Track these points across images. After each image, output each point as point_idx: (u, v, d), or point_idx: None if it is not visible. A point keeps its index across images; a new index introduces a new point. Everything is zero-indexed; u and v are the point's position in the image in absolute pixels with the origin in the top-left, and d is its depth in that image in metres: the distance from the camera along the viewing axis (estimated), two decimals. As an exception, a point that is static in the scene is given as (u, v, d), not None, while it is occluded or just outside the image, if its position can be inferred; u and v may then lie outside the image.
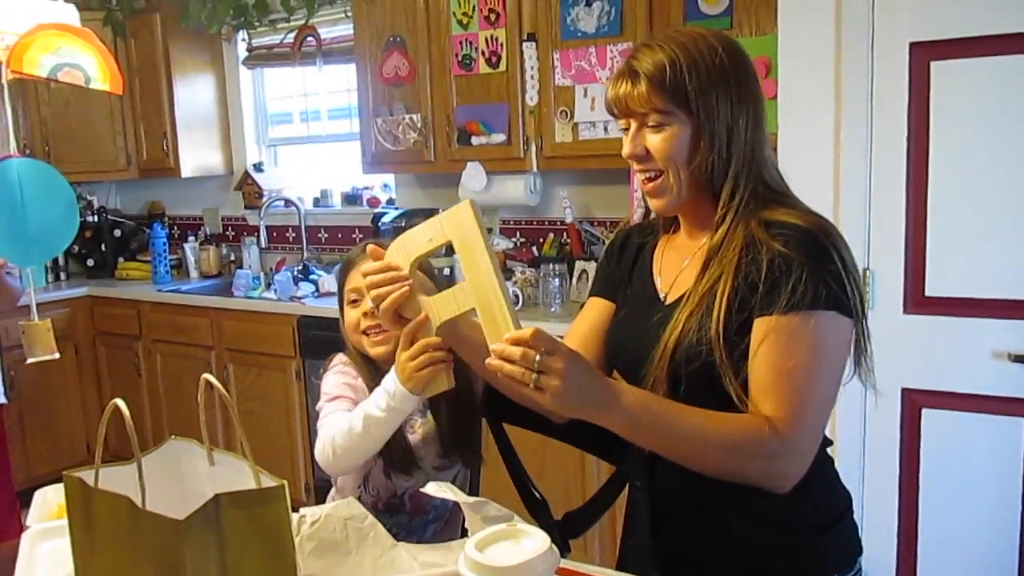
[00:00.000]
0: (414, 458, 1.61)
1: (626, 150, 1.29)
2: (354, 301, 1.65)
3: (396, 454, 1.59)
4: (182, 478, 1.02)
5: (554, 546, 0.95)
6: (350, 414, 1.51)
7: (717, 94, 1.24)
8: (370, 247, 1.33)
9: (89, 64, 1.43)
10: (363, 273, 1.30)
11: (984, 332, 2.12)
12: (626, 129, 1.29)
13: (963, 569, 2.22)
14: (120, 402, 0.89)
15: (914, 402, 2.23)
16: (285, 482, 0.87)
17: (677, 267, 1.36)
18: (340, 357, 1.70)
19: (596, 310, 1.48)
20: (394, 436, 1.55)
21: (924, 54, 2.11)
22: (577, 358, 1.12)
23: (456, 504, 1.22)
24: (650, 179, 1.29)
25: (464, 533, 1.34)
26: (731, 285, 1.22)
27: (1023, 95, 2.02)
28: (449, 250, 1.24)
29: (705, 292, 1.24)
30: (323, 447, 1.50)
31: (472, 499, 1.10)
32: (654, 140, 1.26)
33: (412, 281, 1.25)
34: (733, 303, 1.21)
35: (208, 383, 0.95)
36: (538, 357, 1.07)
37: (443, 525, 1.69)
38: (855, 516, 1.39)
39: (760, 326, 1.21)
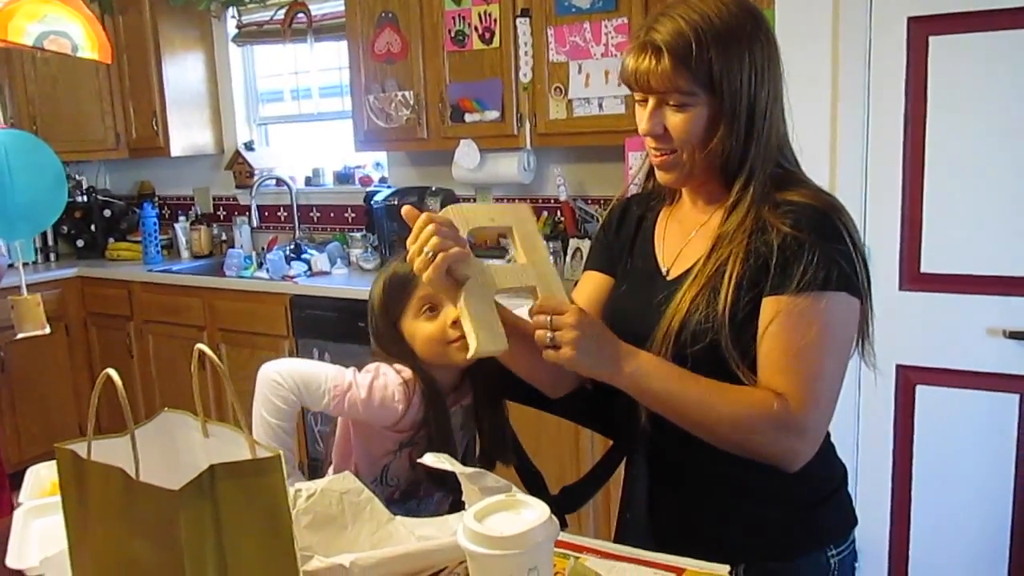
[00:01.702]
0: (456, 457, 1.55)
1: (643, 127, 1.24)
2: (431, 309, 1.50)
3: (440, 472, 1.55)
4: (176, 450, 1.00)
5: (553, 516, 0.95)
6: (282, 429, 1.48)
7: (742, 71, 1.19)
8: (406, 208, 1.19)
9: (76, 32, 1.40)
10: (422, 223, 1.13)
11: (979, 309, 2.12)
12: (642, 101, 1.25)
13: (955, 542, 2.23)
14: (112, 372, 0.87)
15: (908, 378, 2.23)
16: (281, 452, 0.86)
17: (680, 241, 1.34)
18: (394, 377, 1.53)
19: (592, 284, 1.45)
20: (446, 443, 1.50)
21: (922, 28, 2.10)
22: (589, 315, 1.17)
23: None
24: (663, 154, 1.26)
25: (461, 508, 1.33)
26: (740, 267, 1.20)
27: (1020, 70, 2.01)
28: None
29: (712, 274, 1.23)
30: (264, 400, 1.49)
31: (470, 470, 1.09)
32: (674, 120, 1.22)
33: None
34: (742, 285, 1.20)
35: (201, 353, 0.94)
36: (550, 318, 1.13)
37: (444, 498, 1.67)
38: (849, 490, 1.39)
39: (770, 305, 1.19)
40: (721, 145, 1.22)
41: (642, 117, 1.25)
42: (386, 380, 1.51)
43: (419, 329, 1.51)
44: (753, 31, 1.21)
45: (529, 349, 1.23)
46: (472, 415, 1.63)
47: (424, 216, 1.14)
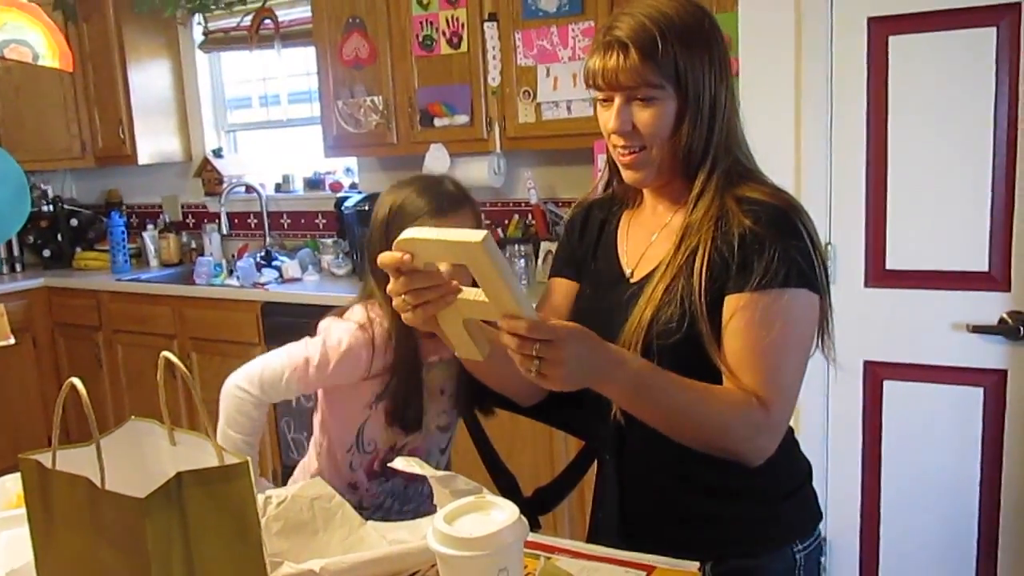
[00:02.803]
0: (422, 418, 1.54)
1: (612, 125, 1.25)
2: None
3: (409, 411, 1.52)
4: (143, 459, 1.00)
5: (522, 517, 0.95)
6: (249, 423, 1.49)
7: (703, 67, 1.22)
8: (393, 257, 1.08)
9: (36, 40, 1.38)
10: (405, 276, 1.08)
11: (944, 304, 2.15)
12: (606, 101, 1.26)
13: (924, 534, 2.26)
14: (76, 380, 0.87)
15: (876, 374, 2.26)
16: (249, 459, 0.86)
17: (643, 244, 1.36)
18: (359, 313, 1.51)
19: (559, 291, 1.46)
20: (410, 391, 1.48)
21: (882, 29, 2.13)
22: (574, 337, 1.07)
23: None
24: (631, 152, 1.27)
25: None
26: (708, 257, 1.22)
27: (978, 69, 2.05)
28: None
29: (683, 263, 1.24)
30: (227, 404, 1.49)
31: (440, 473, 1.09)
32: (643, 116, 1.23)
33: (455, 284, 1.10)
34: (711, 275, 1.22)
35: (168, 361, 0.93)
36: (537, 346, 1.04)
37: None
38: (819, 486, 1.41)
39: (732, 303, 1.21)
40: (687, 138, 1.24)
41: (608, 117, 1.26)
42: (338, 335, 1.49)
43: None
44: (710, 29, 1.25)
45: (500, 363, 1.23)
46: (456, 371, 1.58)
47: (394, 262, 1.06)
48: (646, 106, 1.23)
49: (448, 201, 1.49)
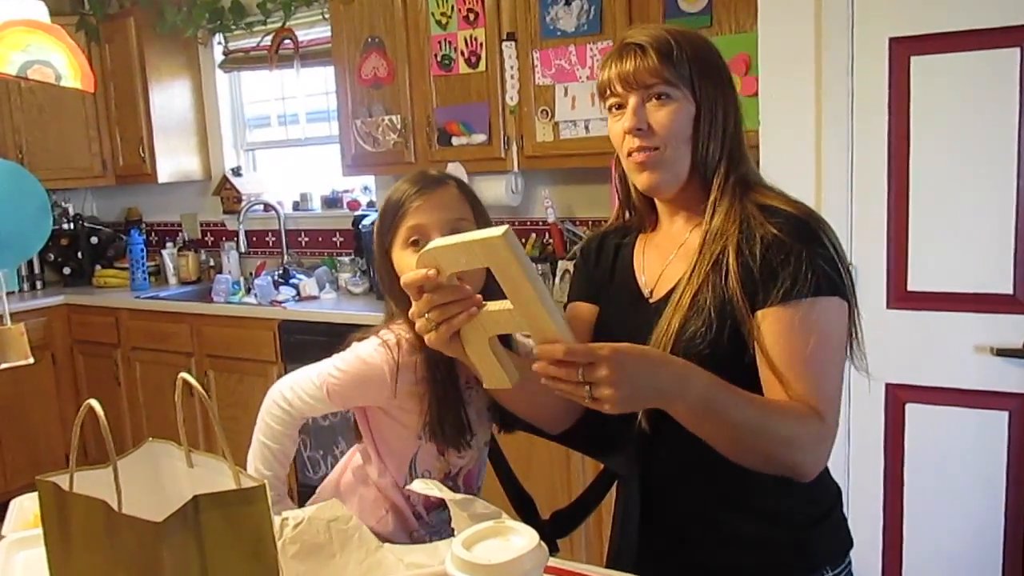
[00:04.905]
0: (466, 430, 1.47)
1: (627, 123, 1.25)
2: (415, 243, 1.38)
3: (448, 428, 1.45)
4: (160, 481, 0.99)
5: (542, 542, 0.94)
6: (281, 439, 1.48)
7: (712, 80, 1.26)
8: (418, 274, 1.08)
9: (59, 61, 1.40)
10: (428, 294, 1.07)
11: (967, 326, 2.13)
12: (619, 108, 1.28)
13: (949, 562, 2.22)
14: (94, 402, 0.86)
15: (898, 397, 2.23)
16: (265, 481, 0.85)
17: (660, 264, 1.35)
18: (383, 331, 1.46)
19: (581, 315, 1.45)
20: (445, 406, 1.43)
21: (904, 49, 2.12)
22: (624, 357, 1.03)
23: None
24: (646, 153, 1.26)
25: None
26: (736, 258, 1.22)
27: (1001, 89, 2.03)
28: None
29: (708, 271, 1.23)
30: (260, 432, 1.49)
31: (459, 496, 1.08)
32: (659, 115, 1.24)
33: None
34: (740, 278, 1.21)
35: (185, 382, 0.93)
36: (580, 371, 1.00)
37: None
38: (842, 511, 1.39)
39: (766, 317, 1.20)
40: (701, 141, 1.26)
41: (623, 118, 1.26)
42: (360, 349, 1.45)
43: (405, 261, 1.40)
44: (719, 56, 1.29)
45: (529, 392, 1.21)
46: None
47: (418, 279, 1.06)
48: (662, 105, 1.24)
49: (430, 180, 1.45)
